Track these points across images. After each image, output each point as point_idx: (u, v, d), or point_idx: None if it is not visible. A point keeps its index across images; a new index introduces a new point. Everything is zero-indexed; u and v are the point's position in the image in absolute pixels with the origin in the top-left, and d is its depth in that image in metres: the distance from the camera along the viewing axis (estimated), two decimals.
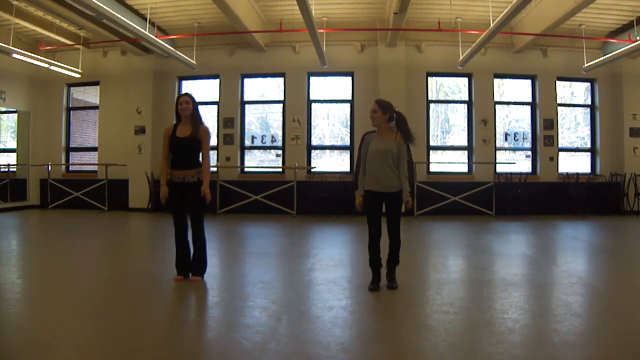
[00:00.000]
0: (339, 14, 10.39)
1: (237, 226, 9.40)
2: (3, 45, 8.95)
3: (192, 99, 4.83)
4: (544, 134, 11.10)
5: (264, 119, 11.91)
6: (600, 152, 11.24)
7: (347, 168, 11.24)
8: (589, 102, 11.54)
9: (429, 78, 11.28)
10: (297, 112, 11.21)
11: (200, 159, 4.82)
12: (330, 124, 11.81)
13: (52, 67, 10.45)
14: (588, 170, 11.35)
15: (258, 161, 11.82)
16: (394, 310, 3.99)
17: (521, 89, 11.60)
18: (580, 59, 10.45)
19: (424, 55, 11.08)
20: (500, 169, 10.92)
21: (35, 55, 10.08)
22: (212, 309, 4.01)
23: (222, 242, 7.80)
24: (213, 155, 11.26)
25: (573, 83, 11.64)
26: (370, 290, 4.40)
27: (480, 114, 11.07)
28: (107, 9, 7.49)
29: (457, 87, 11.85)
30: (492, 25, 8.13)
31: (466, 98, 11.46)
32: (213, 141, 11.25)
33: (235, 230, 9.04)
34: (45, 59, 10.30)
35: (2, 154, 12.04)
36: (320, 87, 11.60)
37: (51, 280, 4.95)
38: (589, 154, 11.45)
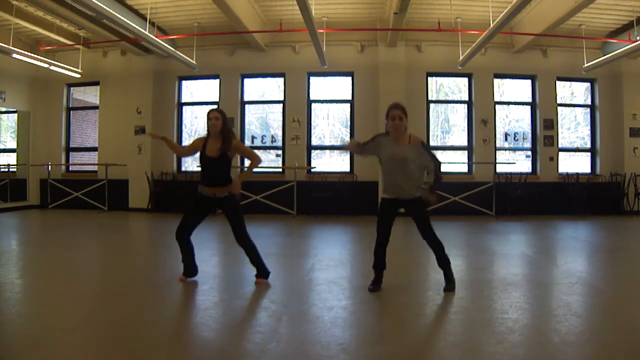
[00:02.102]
0: (339, 14, 10.39)
1: None
2: (3, 45, 8.96)
3: (222, 114, 4.68)
4: (544, 134, 11.10)
5: (264, 119, 11.91)
6: (600, 152, 11.25)
7: (347, 168, 11.24)
8: (589, 102, 11.54)
9: (429, 78, 11.28)
10: (297, 112, 11.21)
11: (231, 175, 4.74)
12: (330, 124, 11.80)
13: (52, 67, 10.46)
14: (588, 170, 11.35)
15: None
16: (394, 311, 3.99)
17: (521, 89, 11.60)
18: (580, 59, 10.45)
19: (424, 55, 11.08)
20: (500, 169, 10.92)
21: (35, 55, 10.09)
22: (212, 309, 4.00)
23: (223, 242, 7.79)
24: None
25: (573, 83, 11.64)
26: (370, 290, 4.39)
27: (480, 114, 11.08)
28: (107, 9, 7.50)
29: (457, 87, 11.85)
30: (492, 25, 8.13)
31: (466, 98, 11.46)
32: None
33: None
34: (45, 59, 10.31)
35: (2, 154, 12.05)
36: (320, 87, 11.59)
37: (51, 280, 4.95)
38: (589, 154, 11.46)
